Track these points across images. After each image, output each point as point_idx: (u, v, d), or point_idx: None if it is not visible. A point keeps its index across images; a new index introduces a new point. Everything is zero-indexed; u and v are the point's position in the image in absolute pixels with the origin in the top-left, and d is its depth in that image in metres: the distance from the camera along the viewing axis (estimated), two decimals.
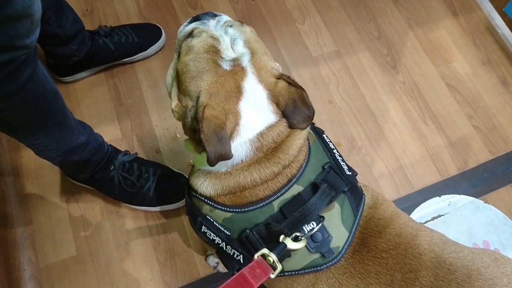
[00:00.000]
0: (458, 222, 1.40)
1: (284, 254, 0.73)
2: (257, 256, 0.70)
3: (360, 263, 0.78)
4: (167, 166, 1.38)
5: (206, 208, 0.82)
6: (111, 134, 1.46)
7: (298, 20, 1.73)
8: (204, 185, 0.82)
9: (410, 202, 1.44)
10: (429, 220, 1.40)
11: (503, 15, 1.76)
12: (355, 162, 1.49)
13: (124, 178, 1.30)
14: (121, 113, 1.50)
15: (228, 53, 0.79)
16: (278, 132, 0.78)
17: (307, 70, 1.63)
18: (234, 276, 0.64)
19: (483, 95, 1.65)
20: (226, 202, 0.80)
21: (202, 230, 0.83)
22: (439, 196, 1.45)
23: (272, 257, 0.70)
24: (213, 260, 1.29)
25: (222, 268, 1.29)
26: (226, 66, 0.77)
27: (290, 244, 0.72)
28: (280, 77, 0.80)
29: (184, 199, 1.33)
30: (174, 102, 0.82)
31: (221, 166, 0.79)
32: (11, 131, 1.00)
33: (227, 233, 0.80)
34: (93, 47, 1.46)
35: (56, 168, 1.36)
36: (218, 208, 0.81)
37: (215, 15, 0.87)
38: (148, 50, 1.56)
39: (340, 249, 0.78)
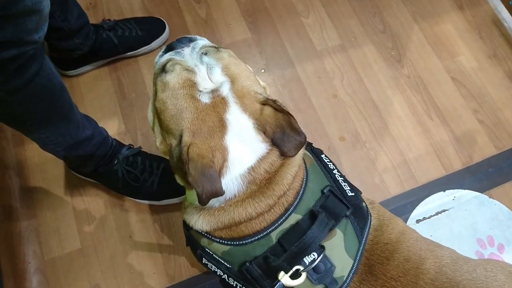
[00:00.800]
0: (462, 217, 1.40)
1: None
2: None
3: None
4: None
5: (204, 241, 0.80)
6: (115, 128, 1.46)
7: (302, 14, 1.72)
8: (199, 222, 0.79)
9: (414, 196, 1.43)
10: (433, 215, 1.39)
11: (509, 9, 1.74)
12: (359, 157, 1.49)
13: (128, 171, 1.30)
14: (124, 106, 1.50)
15: (206, 85, 0.74)
16: (270, 162, 0.75)
17: (312, 64, 1.63)
18: None
19: (489, 89, 1.63)
20: (222, 236, 0.77)
21: (203, 262, 0.81)
22: (444, 191, 1.44)
23: None
24: None
25: None
26: (205, 99, 0.72)
27: (288, 281, 0.70)
28: (265, 102, 0.76)
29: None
30: (159, 139, 0.79)
31: (214, 202, 0.75)
32: (18, 125, 1.00)
33: (227, 265, 0.78)
34: (97, 41, 1.45)
35: (60, 162, 1.36)
36: (216, 241, 0.78)
37: (190, 40, 0.83)
38: (151, 44, 1.56)
39: (344, 278, 0.74)
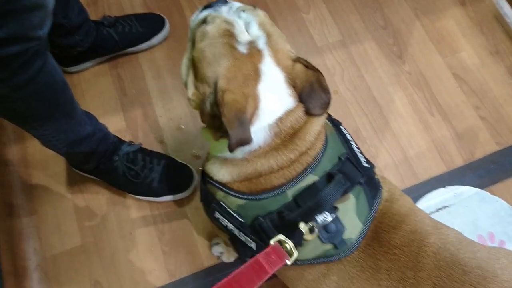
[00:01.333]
0: (463, 213, 1.39)
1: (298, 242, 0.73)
2: (274, 242, 0.70)
3: (372, 257, 0.77)
4: (171, 157, 1.38)
5: (220, 194, 0.82)
6: (116, 124, 1.46)
7: (303, 9, 1.71)
8: (221, 172, 0.82)
9: (415, 193, 1.43)
10: (434, 211, 1.39)
11: None
12: None
13: (129, 168, 1.30)
14: (125, 103, 1.50)
15: (244, 37, 0.77)
16: (296, 117, 0.77)
17: (312, 60, 1.59)
18: (248, 263, 0.62)
19: (491, 86, 1.63)
20: (241, 189, 0.80)
21: (216, 216, 0.83)
22: (445, 187, 1.44)
23: (289, 243, 0.70)
24: (218, 250, 1.30)
25: (226, 258, 1.29)
26: (242, 49, 0.75)
27: (307, 233, 0.72)
28: (297, 60, 0.80)
29: (188, 190, 1.35)
30: (191, 91, 0.81)
31: (238, 153, 0.78)
32: (21, 121, 1.01)
33: (240, 219, 0.80)
34: (97, 37, 1.45)
35: (61, 158, 1.36)
36: (232, 195, 0.80)
37: (226, 2, 0.85)
38: (152, 40, 1.56)
39: (353, 241, 0.77)
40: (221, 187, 0.82)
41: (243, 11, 0.81)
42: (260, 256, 0.64)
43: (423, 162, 1.49)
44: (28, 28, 0.75)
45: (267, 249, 0.67)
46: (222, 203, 0.82)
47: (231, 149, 0.71)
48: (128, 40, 1.51)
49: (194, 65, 0.79)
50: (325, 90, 0.78)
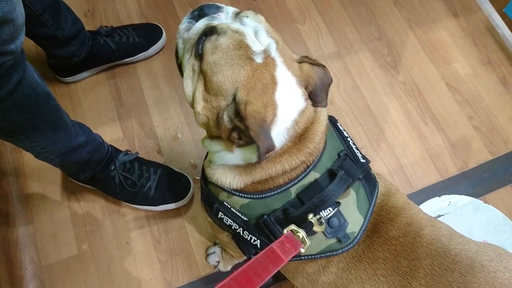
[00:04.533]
0: (458, 222, 1.40)
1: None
2: (287, 231, 0.72)
3: (370, 248, 0.80)
4: (168, 166, 1.39)
5: (223, 195, 0.83)
6: (112, 134, 1.47)
7: (298, 21, 1.73)
8: (228, 179, 0.82)
9: None
10: None
11: (503, 16, 1.76)
12: None
13: (125, 177, 1.30)
14: (122, 113, 1.51)
15: (257, 46, 0.78)
16: (307, 117, 0.80)
17: None
18: (263, 252, 0.64)
19: (483, 96, 1.65)
20: (247, 190, 0.81)
21: (219, 216, 0.84)
22: (439, 196, 1.45)
23: (302, 232, 0.72)
24: (214, 259, 1.30)
25: (222, 267, 1.29)
26: (258, 59, 0.76)
27: (316, 225, 0.75)
28: (301, 60, 0.82)
29: (185, 199, 1.35)
30: (200, 105, 0.80)
31: (251, 159, 0.79)
32: (6, 136, 0.99)
33: (244, 218, 0.81)
34: (94, 47, 1.46)
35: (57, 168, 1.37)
36: (236, 195, 0.81)
37: (219, 7, 0.86)
38: (149, 50, 1.57)
39: (355, 234, 0.80)
40: (225, 188, 0.83)
41: (246, 17, 0.82)
42: (274, 245, 0.66)
43: (417, 171, 1.50)
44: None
45: (281, 238, 0.69)
46: (225, 203, 0.83)
47: (260, 159, 0.72)
48: (125, 50, 1.52)
49: (206, 78, 0.78)
50: (329, 77, 0.82)
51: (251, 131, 0.71)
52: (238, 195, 0.81)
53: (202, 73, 0.79)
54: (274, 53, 0.77)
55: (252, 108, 0.72)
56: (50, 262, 1.30)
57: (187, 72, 0.83)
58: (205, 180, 0.88)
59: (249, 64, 0.75)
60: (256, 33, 0.80)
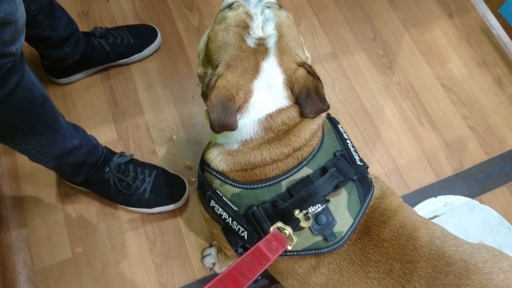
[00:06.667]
0: (454, 222, 1.41)
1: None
2: (273, 229, 0.72)
3: (361, 250, 0.80)
4: (163, 168, 1.38)
5: (216, 183, 0.84)
6: (107, 135, 1.46)
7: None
8: (217, 160, 0.84)
9: (406, 203, 1.41)
10: None
11: (498, 16, 1.76)
12: None
13: (120, 179, 1.29)
14: (116, 114, 1.50)
15: (257, 32, 0.81)
16: (289, 116, 0.80)
17: None
18: (249, 251, 0.63)
19: (478, 96, 1.65)
20: (236, 178, 0.82)
21: (211, 205, 0.85)
22: (435, 196, 1.45)
23: (288, 229, 0.71)
24: (209, 261, 1.29)
25: (218, 269, 1.29)
26: (250, 43, 0.79)
27: (302, 221, 0.74)
28: (301, 64, 0.81)
29: (180, 201, 1.35)
30: (200, 67, 0.86)
31: (233, 143, 0.82)
32: (2, 138, 0.99)
33: (234, 208, 0.82)
34: (88, 48, 1.45)
35: (51, 170, 1.36)
36: (228, 183, 0.83)
37: None
38: (143, 51, 1.56)
39: (343, 234, 0.79)
40: (218, 176, 0.84)
41: (268, 7, 0.85)
42: (261, 243, 0.65)
43: (413, 171, 1.50)
44: (0, 45, 0.74)
45: (267, 236, 0.68)
46: (218, 191, 0.84)
47: (214, 130, 0.76)
48: (120, 52, 1.52)
49: (207, 44, 0.84)
50: (321, 98, 0.79)
51: (209, 100, 0.75)
52: (231, 184, 0.82)
53: (208, 38, 0.84)
54: (271, 45, 0.80)
55: (222, 82, 0.76)
56: (44, 265, 1.29)
57: (205, 35, 0.88)
58: (202, 168, 0.90)
59: (239, 43, 0.79)
60: (265, 22, 0.82)
